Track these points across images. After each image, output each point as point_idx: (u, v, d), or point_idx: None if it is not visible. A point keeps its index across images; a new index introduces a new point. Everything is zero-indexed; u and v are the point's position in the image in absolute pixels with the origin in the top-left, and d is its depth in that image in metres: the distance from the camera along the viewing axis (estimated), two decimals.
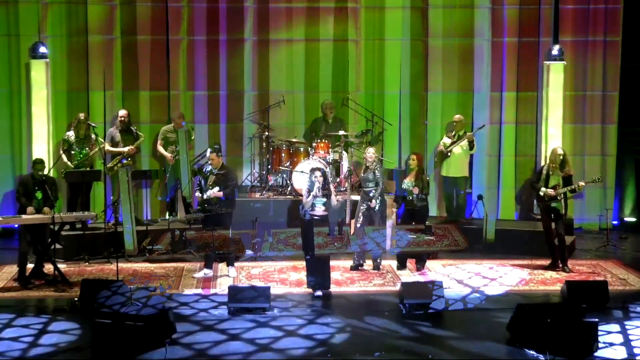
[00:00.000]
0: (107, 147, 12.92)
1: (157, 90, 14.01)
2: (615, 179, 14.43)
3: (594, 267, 11.90)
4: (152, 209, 14.01)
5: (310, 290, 10.51)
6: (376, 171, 11.56)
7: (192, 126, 13.60)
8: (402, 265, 11.71)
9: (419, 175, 11.64)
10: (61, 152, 12.73)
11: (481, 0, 14.17)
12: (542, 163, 13.97)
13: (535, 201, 12.16)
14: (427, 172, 13.80)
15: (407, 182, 11.60)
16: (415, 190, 11.51)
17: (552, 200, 11.52)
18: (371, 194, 11.48)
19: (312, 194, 10.37)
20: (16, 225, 11.24)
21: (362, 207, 11.58)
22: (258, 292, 9.80)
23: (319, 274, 10.46)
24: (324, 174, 10.56)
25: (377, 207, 11.49)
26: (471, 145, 13.11)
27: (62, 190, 13.07)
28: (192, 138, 13.40)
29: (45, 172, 11.29)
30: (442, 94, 14.29)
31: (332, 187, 10.89)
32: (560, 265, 11.60)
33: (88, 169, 12.64)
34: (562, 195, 11.51)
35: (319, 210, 10.42)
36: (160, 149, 13.28)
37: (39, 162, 11.17)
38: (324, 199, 10.42)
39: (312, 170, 10.68)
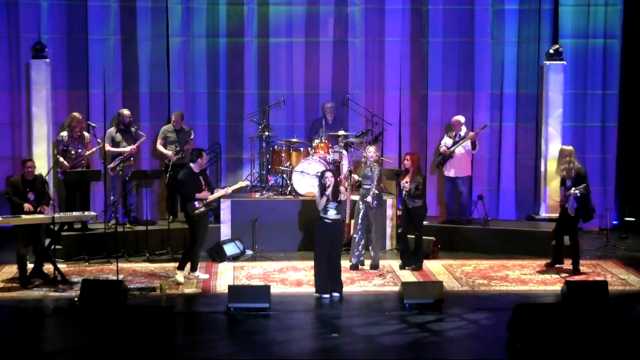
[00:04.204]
0: (108, 147, 12.91)
1: (157, 90, 14.01)
2: (615, 179, 14.43)
3: (594, 267, 11.89)
4: (151, 209, 14.00)
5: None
6: (373, 168, 11.59)
7: (186, 128, 13.49)
8: (404, 265, 11.70)
9: (415, 176, 11.64)
10: (57, 153, 12.70)
11: (481, 0, 14.17)
12: (542, 163, 14.03)
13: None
14: (422, 172, 13.85)
15: (404, 182, 11.59)
16: (407, 187, 11.49)
17: (565, 202, 11.49)
18: (367, 188, 11.53)
19: (326, 193, 10.25)
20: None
21: (361, 206, 11.59)
22: (258, 291, 9.81)
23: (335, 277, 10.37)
24: (334, 175, 10.47)
25: (374, 203, 11.54)
26: (474, 145, 13.10)
27: (61, 190, 13.08)
28: (192, 138, 13.37)
29: (36, 172, 11.16)
30: (442, 94, 14.29)
31: (342, 187, 10.78)
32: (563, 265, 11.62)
33: (84, 169, 12.62)
34: (568, 197, 11.44)
35: (332, 214, 10.33)
36: (160, 147, 13.27)
37: (28, 161, 11.10)
38: (336, 203, 10.33)
39: (322, 173, 10.57)
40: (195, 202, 10.92)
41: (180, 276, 10.96)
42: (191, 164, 11.07)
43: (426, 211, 11.97)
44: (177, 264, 11.18)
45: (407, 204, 11.55)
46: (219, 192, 11.31)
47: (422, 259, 11.79)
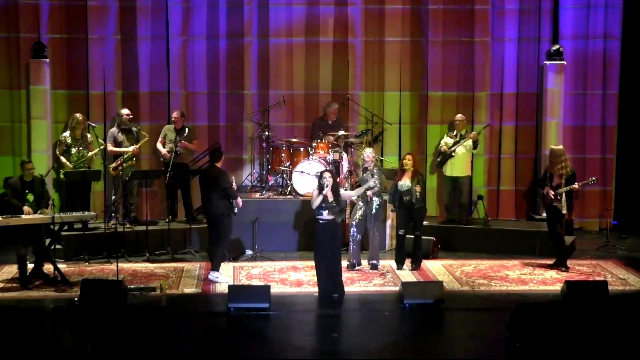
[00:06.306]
0: (110, 147, 12.91)
1: (157, 90, 14.01)
2: (615, 179, 14.43)
3: (594, 267, 11.90)
4: (151, 209, 13.99)
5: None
6: (375, 172, 11.58)
7: (189, 126, 13.47)
8: (400, 265, 11.70)
9: (416, 175, 11.62)
10: (58, 153, 12.70)
11: (481, 0, 14.17)
12: (542, 163, 14.01)
13: (538, 200, 12.18)
14: (424, 172, 13.83)
15: (407, 183, 11.56)
16: (418, 189, 11.47)
17: (553, 200, 11.52)
18: (369, 191, 11.51)
19: (323, 192, 10.28)
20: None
21: (359, 209, 11.58)
22: (258, 291, 9.80)
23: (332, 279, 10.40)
24: (333, 175, 10.53)
25: (375, 206, 11.55)
26: (475, 144, 13.11)
27: (61, 190, 13.08)
28: (185, 135, 13.24)
29: (36, 173, 11.18)
30: (442, 94, 14.29)
31: (341, 188, 10.83)
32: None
33: (86, 168, 12.62)
34: (560, 195, 11.50)
35: (328, 215, 10.35)
36: (159, 146, 13.25)
37: (28, 163, 11.12)
38: (333, 204, 10.35)
39: (321, 173, 10.60)
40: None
41: (222, 277, 11.09)
42: (216, 164, 11.25)
43: (426, 211, 12.00)
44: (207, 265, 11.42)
45: (415, 204, 11.52)
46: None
47: (421, 259, 11.78)
